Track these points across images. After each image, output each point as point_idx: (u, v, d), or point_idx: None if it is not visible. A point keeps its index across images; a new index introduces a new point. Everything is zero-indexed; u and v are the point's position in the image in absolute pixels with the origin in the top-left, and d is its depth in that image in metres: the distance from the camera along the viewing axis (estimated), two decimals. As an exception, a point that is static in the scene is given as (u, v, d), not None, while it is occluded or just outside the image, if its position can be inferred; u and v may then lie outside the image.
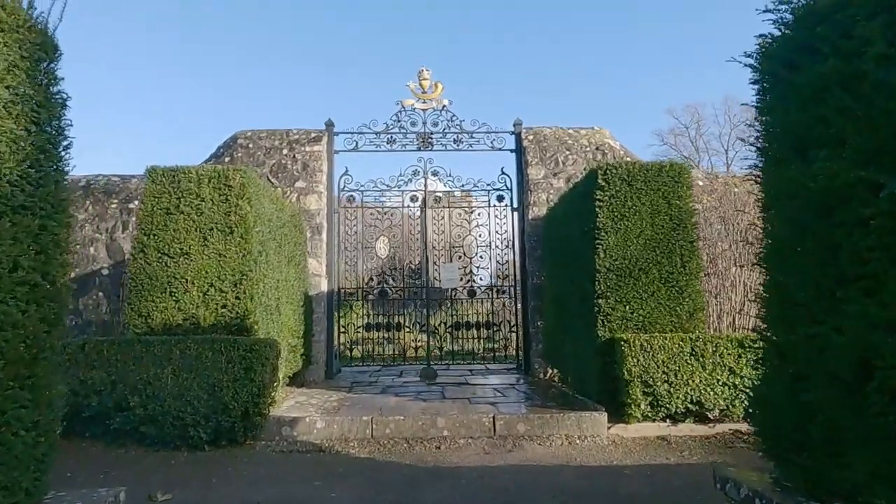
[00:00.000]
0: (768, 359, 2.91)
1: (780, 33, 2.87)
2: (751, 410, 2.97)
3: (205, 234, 5.49)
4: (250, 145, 8.57)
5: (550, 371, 8.00)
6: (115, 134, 54.75)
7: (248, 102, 56.04)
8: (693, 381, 5.20)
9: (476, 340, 8.81)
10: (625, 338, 5.26)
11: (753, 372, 5.20)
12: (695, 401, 5.22)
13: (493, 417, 5.25)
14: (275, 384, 5.37)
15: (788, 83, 2.73)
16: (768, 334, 2.93)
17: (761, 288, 3.00)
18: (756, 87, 3.08)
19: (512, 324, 8.74)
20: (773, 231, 2.90)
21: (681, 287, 5.61)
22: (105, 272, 8.23)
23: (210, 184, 5.58)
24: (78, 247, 8.32)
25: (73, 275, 8.22)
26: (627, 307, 5.58)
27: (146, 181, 5.60)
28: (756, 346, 5.26)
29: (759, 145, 3.07)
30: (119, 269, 8.09)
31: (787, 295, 2.69)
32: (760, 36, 3.01)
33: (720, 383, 5.22)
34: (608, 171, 5.75)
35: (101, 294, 8.21)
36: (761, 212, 3.02)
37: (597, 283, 5.62)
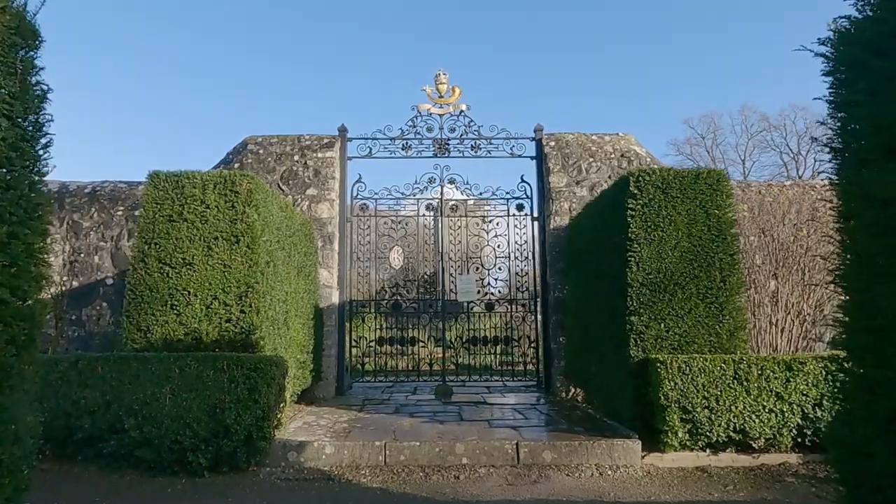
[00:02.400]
0: (853, 394, 2.47)
1: (864, 16, 2.48)
2: (831, 455, 2.54)
3: (209, 244, 5.16)
4: (260, 151, 8.27)
5: (573, 390, 7.56)
6: (125, 139, 55.08)
7: (263, 107, 56.08)
8: (736, 407, 4.75)
9: (493, 356, 8.38)
10: (661, 359, 4.83)
11: (804, 398, 4.77)
12: (738, 429, 4.77)
13: (517, 444, 4.83)
14: (281, 405, 5.00)
15: (878, 73, 2.33)
16: (850, 365, 2.51)
17: (839, 311, 2.57)
18: (830, 78, 2.67)
19: (532, 339, 8.31)
20: (855, 244, 2.49)
21: (720, 303, 5.17)
22: (109, 282, 7.94)
23: (215, 190, 5.25)
24: (82, 255, 8.05)
25: (76, 284, 7.95)
26: (662, 325, 5.15)
27: (147, 186, 5.28)
28: (805, 368, 4.86)
29: (834, 145, 2.66)
30: (124, 279, 7.79)
31: (878, 320, 2.28)
32: (835, 20, 2.62)
33: (766, 410, 4.77)
34: (641, 178, 5.34)
35: (105, 304, 7.91)
36: (837, 222, 2.61)
37: (629, 298, 5.19)
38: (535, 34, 54.40)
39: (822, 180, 8.87)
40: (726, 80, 48.27)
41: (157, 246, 5.14)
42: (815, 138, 3.13)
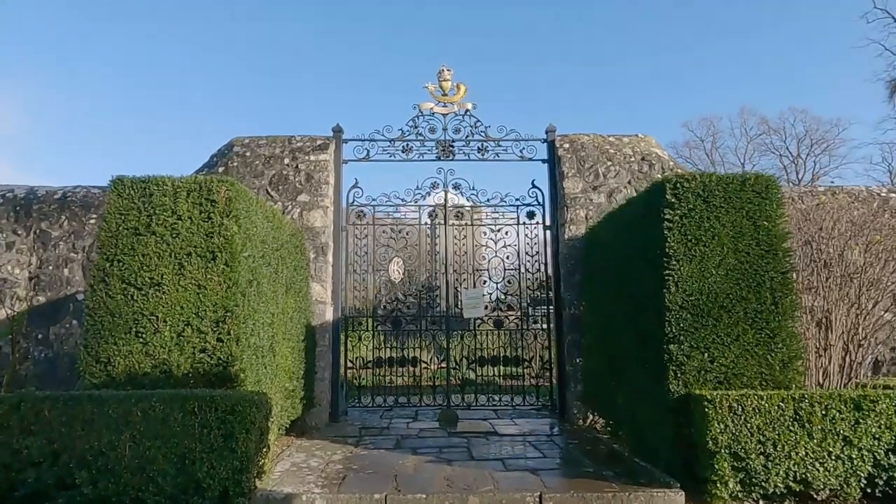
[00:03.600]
0: None
1: None
2: None
3: (181, 261, 4.44)
4: (247, 153, 7.55)
5: (591, 417, 6.86)
6: (105, 142, 53.77)
7: (252, 109, 55.02)
8: (797, 454, 4.06)
9: (502, 378, 7.66)
10: (708, 397, 4.13)
11: (875, 442, 4.09)
12: (798, 478, 4.07)
13: (540, 497, 4.11)
14: (263, 449, 4.28)
15: None
16: None
17: None
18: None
19: (545, 360, 7.60)
20: None
21: (772, 329, 4.48)
22: (80, 297, 7.20)
23: (189, 198, 4.54)
24: (50, 268, 7.31)
25: (43, 299, 7.22)
26: (706, 355, 4.45)
27: (110, 194, 4.57)
28: (877, 408, 4.15)
29: None
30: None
31: None
32: None
33: (832, 456, 4.08)
34: (679, 185, 4.65)
35: (75, 322, 7.18)
36: None
37: (667, 324, 4.50)
38: (531, 34, 53.82)
39: (885, 186, 8.17)
40: (724, 83, 47.82)
41: (121, 263, 4.42)
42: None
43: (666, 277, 4.55)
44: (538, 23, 53.68)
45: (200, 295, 4.41)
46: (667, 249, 4.58)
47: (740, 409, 4.08)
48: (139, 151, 52.61)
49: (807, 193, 7.02)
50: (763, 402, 4.09)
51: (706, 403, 4.09)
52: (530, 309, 7.77)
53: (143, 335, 4.35)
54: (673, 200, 4.63)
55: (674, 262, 4.55)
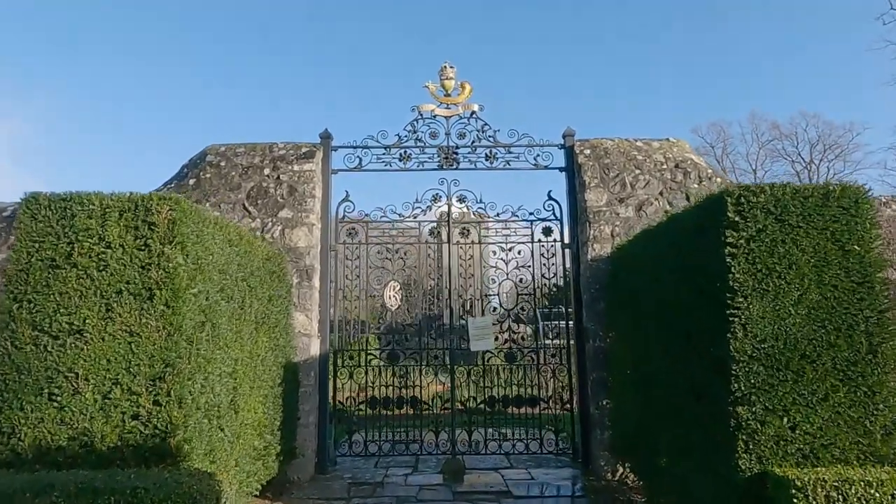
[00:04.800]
0: None
1: None
2: None
3: (109, 301, 3.48)
4: (222, 163, 6.61)
5: (621, 470, 5.82)
6: (81, 153, 52.39)
7: (236, 118, 53.54)
8: (920, 562, 3.02)
9: (516, 420, 6.63)
10: (795, 479, 3.10)
11: None
12: (918, 591, 3.04)
13: None
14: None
15: None
16: None
17: None
18: None
19: (565, 400, 6.57)
20: None
21: (870, 385, 3.47)
22: None
23: (122, 221, 3.58)
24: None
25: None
26: (785, 419, 3.43)
27: (21, 216, 3.61)
28: None
29: None
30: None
31: None
32: None
33: (964, 563, 3.04)
34: (745, 200, 3.65)
35: None
36: None
37: (733, 379, 3.48)
38: (529, 32, 52.97)
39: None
40: (733, 88, 46.80)
41: (32, 305, 3.47)
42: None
43: (730, 318, 3.54)
44: (538, 24, 52.77)
45: (133, 345, 3.44)
46: (730, 282, 3.57)
47: (841, 498, 3.06)
48: (109, 163, 51.00)
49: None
50: (872, 490, 3.06)
51: (795, 493, 3.06)
52: (546, 339, 6.75)
53: (59, 398, 3.38)
54: (737, 219, 3.63)
55: (740, 299, 3.54)
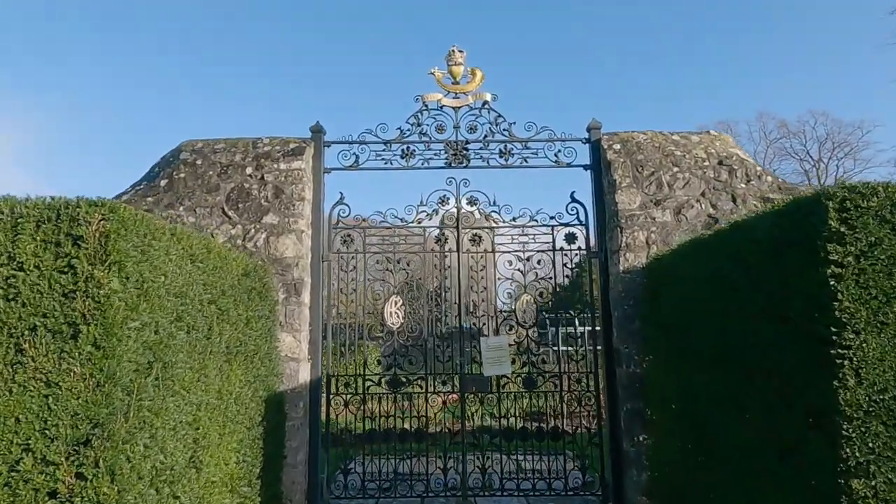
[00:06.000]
0: None
1: None
2: None
3: (19, 341, 2.64)
4: (199, 162, 5.78)
5: (663, 518, 4.97)
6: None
7: (221, 109, 52.08)
8: None
9: (536, 455, 5.77)
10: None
11: None
12: None
13: None
14: None
15: None
16: None
17: None
18: None
19: (593, 433, 5.71)
20: None
21: None
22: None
23: (39, 234, 2.74)
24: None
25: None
26: (916, 497, 2.59)
27: None
28: None
29: None
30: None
31: None
32: None
33: None
34: (850, 204, 2.79)
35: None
36: None
37: (844, 441, 2.63)
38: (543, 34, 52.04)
39: None
40: (739, 87, 45.83)
41: (-83, 346, 2.63)
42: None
43: (837, 360, 2.69)
44: (544, 23, 51.85)
45: (51, 399, 2.60)
46: (835, 312, 2.72)
47: None
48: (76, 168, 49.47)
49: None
50: None
51: None
52: (571, 363, 5.89)
53: (-50, 470, 2.54)
54: (842, 229, 2.77)
55: (850, 335, 2.69)
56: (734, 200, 5.53)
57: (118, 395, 2.68)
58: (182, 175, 5.71)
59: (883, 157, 52.55)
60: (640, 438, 5.16)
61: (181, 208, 5.57)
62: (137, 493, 2.74)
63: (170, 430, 3.08)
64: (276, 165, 5.70)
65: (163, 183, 5.70)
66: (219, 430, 3.73)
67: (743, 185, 5.59)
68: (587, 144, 5.99)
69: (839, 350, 2.69)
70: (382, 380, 5.91)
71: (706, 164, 5.68)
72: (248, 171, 5.71)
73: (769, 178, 5.65)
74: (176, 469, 3.12)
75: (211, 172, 5.72)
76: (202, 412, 3.48)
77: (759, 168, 5.75)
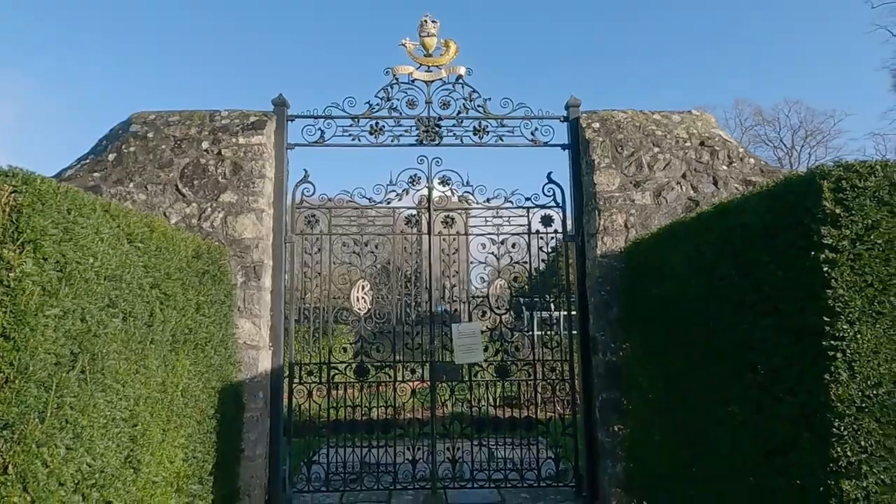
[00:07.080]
0: None
1: None
2: None
3: (-88, 330, 2.30)
4: (150, 135, 5.37)
5: (638, 510, 4.82)
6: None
7: (176, 80, 50.07)
8: None
9: (509, 444, 5.58)
10: None
11: None
12: None
13: None
14: None
15: None
16: None
17: None
18: None
19: (567, 423, 5.53)
20: None
21: None
22: None
23: (-65, 208, 2.38)
24: None
25: None
26: (910, 499, 2.41)
27: None
28: None
29: None
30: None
31: None
32: None
33: None
34: (846, 183, 2.58)
35: None
36: None
37: (835, 440, 2.45)
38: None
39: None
40: (717, 73, 46.05)
41: None
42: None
43: (829, 352, 2.49)
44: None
45: (-51, 398, 2.27)
46: (828, 301, 2.51)
47: None
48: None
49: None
50: None
51: None
52: (546, 350, 5.68)
53: None
54: (837, 211, 2.56)
55: (843, 325, 2.49)
56: (716, 183, 5.34)
57: (32, 391, 2.36)
58: (132, 149, 5.29)
59: (853, 145, 53.54)
60: (616, 429, 4.99)
61: (131, 185, 5.17)
62: (57, 500, 2.43)
63: (100, 429, 2.77)
64: (234, 140, 5.32)
65: (111, 157, 5.29)
66: (162, 425, 3.42)
67: (725, 168, 5.40)
68: (565, 123, 5.73)
69: (831, 342, 2.49)
70: (348, 368, 5.63)
71: (687, 144, 5.47)
72: (205, 145, 5.32)
73: (752, 161, 5.46)
74: (107, 471, 2.81)
75: (164, 146, 5.31)
76: (141, 407, 3.16)
77: (741, 150, 5.56)
